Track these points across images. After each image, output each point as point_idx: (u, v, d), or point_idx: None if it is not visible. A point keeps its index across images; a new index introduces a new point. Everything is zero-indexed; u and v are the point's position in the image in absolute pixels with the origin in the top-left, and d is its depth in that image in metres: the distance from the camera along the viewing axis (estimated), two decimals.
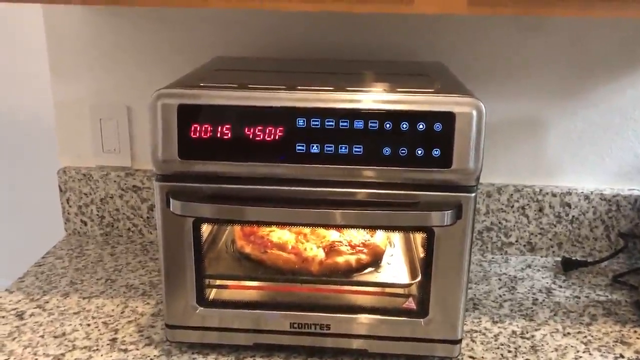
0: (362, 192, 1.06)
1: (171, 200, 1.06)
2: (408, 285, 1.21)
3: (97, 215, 1.68)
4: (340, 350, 1.18)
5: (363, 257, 1.23)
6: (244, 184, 1.06)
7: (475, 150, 1.02)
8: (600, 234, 1.60)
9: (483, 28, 1.50)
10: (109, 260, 1.57)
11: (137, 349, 1.20)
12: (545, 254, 1.63)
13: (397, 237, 1.37)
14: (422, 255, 1.16)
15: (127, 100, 1.61)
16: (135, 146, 1.65)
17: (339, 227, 1.23)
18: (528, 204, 1.59)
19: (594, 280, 1.51)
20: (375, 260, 1.25)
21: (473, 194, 1.05)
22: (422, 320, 1.14)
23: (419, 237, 1.20)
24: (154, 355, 1.18)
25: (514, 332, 1.29)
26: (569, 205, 1.58)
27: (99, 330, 1.26)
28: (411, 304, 1.17)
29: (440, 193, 1.05)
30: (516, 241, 1.62)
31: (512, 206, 1.60)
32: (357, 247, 1.25)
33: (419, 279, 1.16)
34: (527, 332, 1.29)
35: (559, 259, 1.60)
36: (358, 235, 1.29)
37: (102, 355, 1.17)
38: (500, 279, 1.51)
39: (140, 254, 1.61)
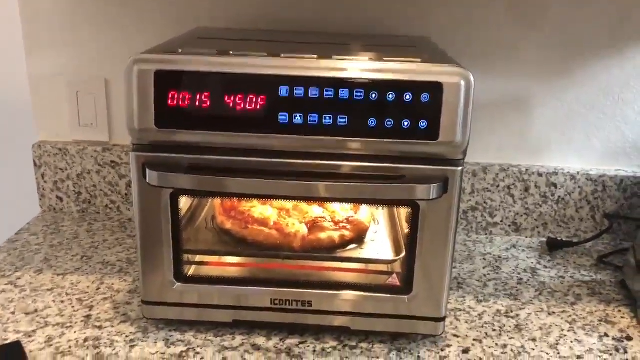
0: (346, 165, 1.02)
1: (147, 171, 1.02)
2: (392, 262, 1.18)
3: (74, 191, 1.63)
4: (322, 328, 1.15)
5: (346, 233, 1.21)
6: (223, 155, 1.02)
7: (463, 123, 0.99)
8: (585, 214, 1.58)
9: (470, 5, 1.47)
10: (85, 237, 1.52)
11: (112, 326, 1.16)
12: (530, 235, 1.61)
13: (381, 215, 1.34)
14: (406, 231, 1.14)
15: (105, 74, 1.56)
16: (114, 121, 1.60)
17: (322, 200, 1.20)
18: (514, 184, 1.57)
19: (579, 260, 1.50)
20: (359, 236, 1.22)
21: (460, 168, 1.02)
22: (405, 297, 1.11)
23: (403, 213, 1.17)
24: (130, 332, 1.15)
25: (498, 311, 1.27)
26: (555, 186, 1.56)
27: (72, 307, 1.22)
28: (395, 280, 1.14)
29: (427, 166, 1.02)
30: (501, 221, 1.61)
31: (498, 186, 1.58)
32: (341, 224, 1.22)
33: (403, 255, 1.13)
34: (512, 312, 1.27)
35: (544, 239, 1.59)
36: (341, 212, 1.26)
37: (75, 332, 1.14)
38: (484, 259, 1.49)
39: (118, 230, 1.56)
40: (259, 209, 1.24)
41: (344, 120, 0.99)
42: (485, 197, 1.59)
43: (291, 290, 1.12)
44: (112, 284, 1.31)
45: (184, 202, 1.11)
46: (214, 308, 1.14)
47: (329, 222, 1.21)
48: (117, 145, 1.61)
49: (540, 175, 1.56)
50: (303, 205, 1.26)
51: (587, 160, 1.58)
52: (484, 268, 1.45)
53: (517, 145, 1.57)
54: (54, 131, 1.61)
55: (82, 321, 1.18)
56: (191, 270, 1.18)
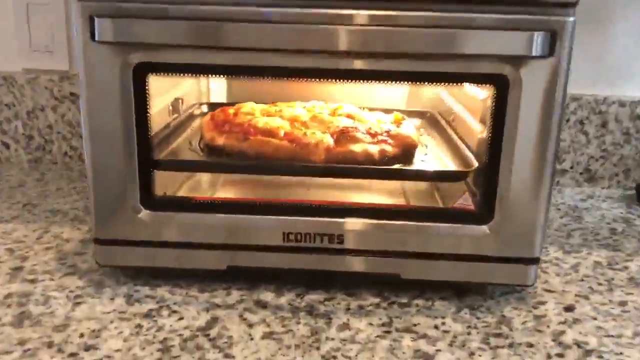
0: (404, 14, 0.67)
1: (96, 21, 0.66)
2: (464, 175, 0.82)
3: (23, 134, 1.27)
4: (358, 277, 0.79)
5: (388, 148, 0.85)
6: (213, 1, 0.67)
7: None
8: None
9: None
10: (34, 185, 1.16)
11: (52, 279, 0.80)
12: (607, 185, 1.26)
13: (427, 140, 0.99)
14: (480, 131, 0.79)
15: None
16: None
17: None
18: (587, 118, 1.22)
19: None
20: (406, 153, 0.86)
21: (572, 19, 0.67)
22: (484, 226, 0.75)
23: (475, 105, 0.82)
24: (76, 287, 0.78)
25: (597, 262, 0.91)
26: None
27: None
28: (466, 202, 0.78)
29: (520, 15, 0.67)
30: (571, 168, 1.25)
31: (568, 120, 1.23)
32: (379, 136, 0.86)
33: (476, 165, 0.78)
34: (617, 263, 0.91)
35: (628, 191, 1.23)
36: (378, 125, 0.91)
37: None
38: (558, 209, 1.14)
39: (78, 180, 1.20)
40: (264, 120, 0.89)
41: None
42: None
43: (313, 219, 0.76)
44: (61, 233, 0.95)
45: (153, 86, 0.74)
46: (199, 248, 0.78)
47: (363, 133, 0.86)
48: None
49: (622, 105, 1.21)
50: (324, 115, 0.91)
51: None
52: (561, 218, 1.09)
53: (593, 69, 1.22)
54: None
55: (7, 274, 0.81)
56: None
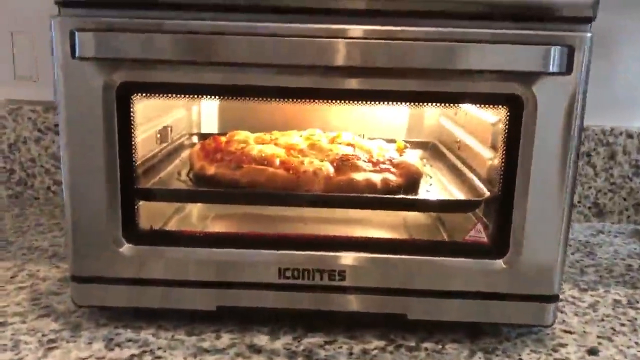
0: (407, 28, 0.63)
1: (77, 35, 0.61)
2: (475, 205, 0.76)
3: (4, 168, 1.21)
4: (361, 317, 0.72)
5: (392, 177, 0.79)
6: (200, 14, 0.62)
7: None
8: None
9: None
10: (12, 221, 1.09)
11: (24, 322, 0.72)
12: (617, 220, 1.20)
13: (431, 171, 0.93)
14: (490, 158, 0.73)
15: (50, 7, 1.17)
16: None
17: (359, 90, 0.69)
18: (595, 149, 1.17)
19: None
20: (410, 183, 0.81)
21: (589, 34, 0.63)
22: (498, 261, 0.69)
23: (484, 130, 0.77)
24: (50, 330, 0.71)
25: (616, 301, 0.85)
26: None
27: None
28: (479, 234, 0.72)
29: (535, 31, 0.62)
30: (579, 202, 1.20)
31: None
32: (382, 165, 0.81)
33: (490, 194, 0.72)
34: (638, 302, 0.85)
35: (638, 227, 1.18)
36: (379, 152, 0.85)
37: None
38: (569, 244, 1.07)
39: (61, 216, 1.13)
40: (258, 147, 0.83)
41: None
42: None
43: (311, 253, 0.70)
44: (37, 271, 0.87)
45: (139, 109, 0.69)
46: (186, 286, 0.70)
47: (365, 161, 0.80)
48: None
49: (629, 136, 1.16)
50: (322, 142, 0.85)
51: None
52: (572, 254, 1.03)
53: (600, 97, 1.18)
54: None
55: None
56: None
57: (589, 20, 0.63)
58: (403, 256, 0.70)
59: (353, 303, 0.70)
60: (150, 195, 0.73)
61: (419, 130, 1.07)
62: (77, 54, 0.62)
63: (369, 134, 1.00)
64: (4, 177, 1.21)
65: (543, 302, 0.70)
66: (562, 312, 0.81)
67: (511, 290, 0.69)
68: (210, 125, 1.09)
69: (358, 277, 0.70)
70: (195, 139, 1.04)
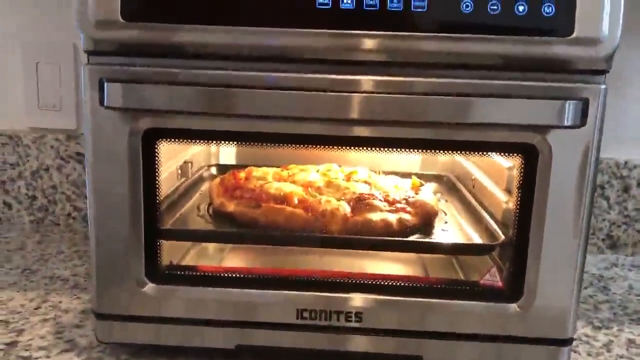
0: (421, 80, 0.64)
1: (106, 85, 0.63)
2: (490, 249, 0.77)
3: (26, 195, 1.24)
4: (376, 358, 0.73)
5: (407, 217, 0.81)
6: (223, 64, 0.65)
7: (610, 8, 0.62)
8: None
9: None
10: (34, 248, 1.12)
11: (48, 357, 0.74)
12: (631, 252, 1.20)
13: (446, 206, 0.94)
14: (505, 201, 0.75)
15: (73, 37, 1.20)
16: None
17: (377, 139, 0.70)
18: (608, 182, 1.18)
19: None
20: (426, 222, 0.82)
21: (603, 86, 0.64)
22: (512, 305, 0.70)
23: (499, 172, 0.78)
24: None
25: (630, 340, 0.85)
26: None
27: None
28: (494, 278, 0.73)
29: (549, 83, 0.64)
30: (592, 234, 1.20)
31: None
32: (397, 204, 0.82)
33: (504, 238, 0.73)
34: None
35: None
36: (395, 191, 0.87)
37: None
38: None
39: (81, 243, 1.16)
40: (276, 185, 0.85)
41: (421, 3, 0.62)
42: None
43: (328, 295, 0.71)
44: (59, 302, 0.90)
45: (163, 153, 0.71)
46: (207, 325, 0.72)
47: (381, 201, 0.82)
48: None
49: None
50: (339, 180, 0.87)
51: None
52: (585, 288, 1.03)
53: (613, 130, 1.19)
54: (3, 114, 1.23)
55: (0, 349, 0.76)
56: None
57: (603, 72, 0.64)
58: (418, 299, 0.71)
59: (369, 344, 0.72)
60: (173, 235, 0.76)
61: (433, 163, 1.09)
62: (105, 103, 0.64)
63: (384, 166, 1.01)
64: (27, 203, 1.24)
65: (557, 346, 0.71)
66: (575, 351, 0.81)
67: (525, 334, 0.70)
68: (229, 155, 1.11)
69: (374, 318, 0.71)
70: (214, 170, 1.06)
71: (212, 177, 1.02)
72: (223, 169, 1.03)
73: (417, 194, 0.87)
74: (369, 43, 0.64)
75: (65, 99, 1.22)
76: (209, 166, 1.06)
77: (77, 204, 1.24)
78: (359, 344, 0.72)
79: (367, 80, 0.64)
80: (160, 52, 0.65)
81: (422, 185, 0.91)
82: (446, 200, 0.97)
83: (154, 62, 0.65)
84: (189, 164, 0.95)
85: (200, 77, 0.65)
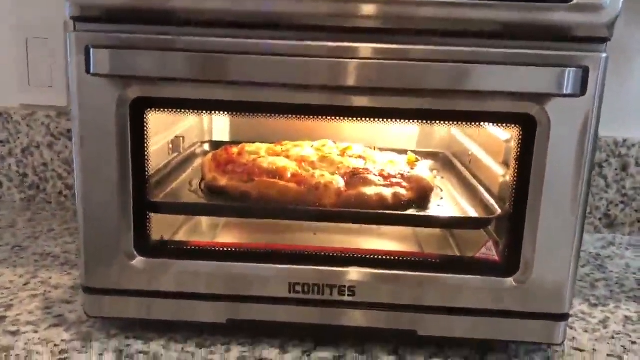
0: (419, 47, 0.63)
1: (92, 51, 0.62)
2: (486, 223, 0.76)
3: (17, 172, 1.22)
4: (370, 332, 0.72)
5: (403, 192, 0.79)
6: (213, 30, 0.63)
7: None
8: None
9: None
10: (24, 226, 1.10)
11: (35, 332, 0.73)
12: (628, 231, 1.19)
13: (442, 182, 0.93)
14: (502, 174, 0.73)
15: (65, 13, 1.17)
16: None
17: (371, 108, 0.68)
18: (607, 160, 1.17)
19: None
20: (422, 197, 0.81)
21: (604, 55, 0.63)
22: (508, 279, 0.69)
23: (496, 145, 0.77)
24: (62, 340, 0.71)
25: (627, 317, 0.84)
26: None
27: None
28: (490, 252, 0.72)
29: (549, 51, 0.62)
30: (590, 213, 1.19)
31: None
32: (393, 179, 0.81)
33: (501, 212, 0.72)
34: None
35: None
36: (390, 166, 0.85)
37: None
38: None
39: (72, 221, 1.14)
40: (269, 159, 0.83)
41: None
42: None
43: (321, 268, 0.70)
44: (49, 278, 0.88)
45: (153, 123, 0.69)
46: (197, 299, 0.71)
47: (376, 175, 0.80)
48: None
49: None
50: (333, 155, 0.85)
51: None
52: (582, 267, 1.02)
53: (611, 108, 1.18)
54: None
55: None
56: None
57: (604, 40, 0.62)
58: (413, 272, 0.70)
59: (362, 318, 0.71)
60: (162, 208, 0.74)
61: (429, 140, 1.07)
62: (91, 70, 0.62)
63: (380, 143, 1.00)
64: (18, 181, 1.22)
65: (553, 321, 0.70)
66: (571, 328, 0.81)
67: (521, 309, 0.69)
68: (222, 132, 1.10)
69: (368, 292, 0.70)
70: (207, 146, 1.04)
71: (205, 153, 1.00)
72: (216, 145, 1.01)
73: (412, 169, 0.85)
74: (366, 9, 0.62)
75: (55, 76, 1.20)
76: (202, 142, 1.05)
77: (69, 181, 1.22)
78: (353, 318, 0.70)
79: (364, 48, 0.62)
80: (150, 18, 0.63)
81: (417, 161, 0.90)
82: (442, 177, 0.96)
83: (143, 29, 0.63)
84: (181, 138, 0.93)
85: (193, 44, 0.63)
